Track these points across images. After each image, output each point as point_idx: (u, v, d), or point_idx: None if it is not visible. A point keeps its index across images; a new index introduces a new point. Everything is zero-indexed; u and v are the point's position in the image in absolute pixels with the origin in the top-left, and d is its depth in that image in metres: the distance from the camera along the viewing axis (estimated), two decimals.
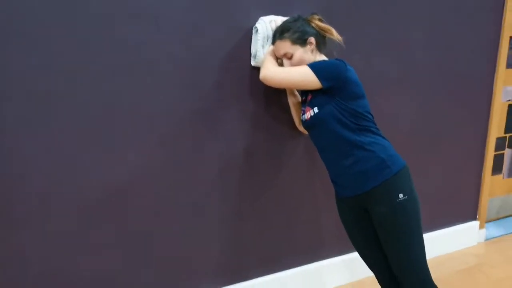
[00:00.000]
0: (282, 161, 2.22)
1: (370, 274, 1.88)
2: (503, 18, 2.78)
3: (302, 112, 1.83)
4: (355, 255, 1.87)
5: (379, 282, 1.87)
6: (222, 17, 1.92)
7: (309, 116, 1.75)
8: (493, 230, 3.22)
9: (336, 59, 1.73)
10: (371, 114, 1.74)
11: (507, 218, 3.39)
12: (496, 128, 2.93)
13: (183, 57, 1.88)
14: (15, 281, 1.75)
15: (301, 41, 1.77)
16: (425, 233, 2.82)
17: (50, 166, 1.72)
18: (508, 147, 3.22)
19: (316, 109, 1.71)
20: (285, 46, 1.78)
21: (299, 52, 1.77)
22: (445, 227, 2.93)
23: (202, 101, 1.96)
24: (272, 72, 1.77)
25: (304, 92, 1.85)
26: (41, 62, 1.64)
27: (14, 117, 1.64)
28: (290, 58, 1.78)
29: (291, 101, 2.06)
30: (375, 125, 1.75)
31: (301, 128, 2.06)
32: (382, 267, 1.82)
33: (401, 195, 1.65)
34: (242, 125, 2.07)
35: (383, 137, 1.73)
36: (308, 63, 1.75)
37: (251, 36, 1.97)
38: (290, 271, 2.36)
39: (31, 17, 1.60)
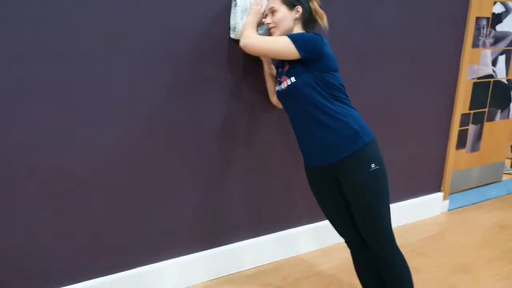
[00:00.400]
0: (257, 130, 2.33)
1: (340, 240, 2.01)
2: (469, 0, 2.92)
3: (278, 82, 1.91)
4: (326, 222, 1.99)
5: (348, 246, 1.99)
6: None
7: (286, 86, 1.83)
8: (456, 201, 3.42)
9: (314, 33, 1.83)
10: (343, 87, 1.84)
11: (469, 190, 3.61)
12: (461, 105, 3.10)
13: (162, 29, 1.95)
14: None
15: (290, 5, 1.86)
16: (393, 203, 2.96)
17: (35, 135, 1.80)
18: (473, 123, 3.41)
19: (293, 79, 1.80)
20: (275, 1, 1.88)
21: (283, 12, 1.87)
22: (411, 198, 3.12)
23: (181, 73, 2.04)
24: (253, 40, 1.86)
25: (280, 64, 1.95)
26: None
27: None
28: (273, 13, 1.88)
29: (266, 73, 2.16)
30: (347, 97, 1.85)
31: (273, 100, 2.17)
32: (352, 232, 1.92)
33: (373, 165, 1.77)
34: (220, 96, 2.17)
35: (354, 109, 1.84)
36: (285, 27, 1.86)
37: (230, 9, 2.04)
38: (266, 237, 2.50)
39: None
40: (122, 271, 2.11)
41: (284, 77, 1.86)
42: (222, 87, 2.16)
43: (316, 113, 1.78)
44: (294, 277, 2.43)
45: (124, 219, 2.07)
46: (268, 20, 1.91)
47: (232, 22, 2.03)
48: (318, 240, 2.70)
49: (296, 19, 1.88)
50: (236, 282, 2.36)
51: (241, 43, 1.89)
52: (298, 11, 1.87)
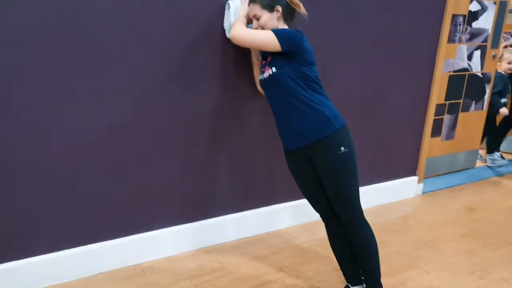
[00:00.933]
0: (243, 116, 2.57)
1: (317, 217, 2.24)
2: None
3: (262, 72, 2.13)
4: (305, 201, 2.22)
5: (323, 220, 2.22)
6: None
7: (267, 75, 2.06)
8: (430, 185, 3.69)
9: (296, 30, 2.06)
10: (318, 79, 2.07)
11: (444, 176, 3.88)
12: (436, 96, 3.34)
13: (163, 25, 2.18)
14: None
15: (269, 8, 2.08)
16: (371, 184, 3.28)
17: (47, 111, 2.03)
18: (448, 113, 3.66)
19: (274, 69, 2.02)
20: (256, 9, 2.09)
21: (266, 16, 2.09)
22: (388, 180, 3.38)
23: (178, 64, 2.27)
24: (240, 33, 2.07)
25: (265, 55, 2.18)
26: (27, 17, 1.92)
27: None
28: (258, 19, 2.10)
29: (254, 64, 2.40)
30: (322, 88, 2.08)
31: (259, 88, 2.40)
32: (325, 208, 2.15)
33: (343, 148, 1.99)
34: (212, 85, 2.41)
35: (328, 99, 2.08)
36: (271, 27, 2.08)
37: (224, 12, 2.27)
38: (249, 211, 2.76)
39: None
40: (118, 237, 2.37)
41: (266, 67, 2.08)
42: (214, 77, 2.40)
43: (294, 101, 1.99)
44: (275, 247, 2.69)
45: (123, 192, 2.32)
46: (255, 25, 2.12)
47: (226, 23, 2.27)
48: (298, 217, 2.96)
49: (278, 17, 2.11)
50: (221, 251, 2.62)
51: (230, 35, 2.10)
52: (278, 10, 2.09)
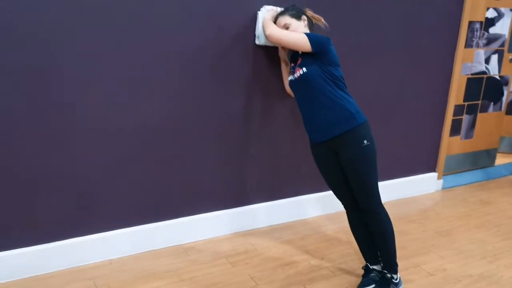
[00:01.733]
0: (273, 114, 2.88)
1: (341, 208, 2.49)
2: (463, 6, 3.38)
3: (292, 73, 2.41)
4: (331, 192, 2.46)
5: (344, 207, 2.47)
6: (233, 4, 2.54)
7: (298, 75, 2.33)
8: (450, 181, 3.91)
9: (324, 36, 2.36)
10: (343, 79, 2.34)
11: (463, 173, 4.08)
12: (454, 97, 3.57)
13: (201, 31, 2.51)
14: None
15: (297, 17, 2.40)
16: (392, 179, 3.53)
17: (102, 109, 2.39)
18: (466, 113, 3.88)
19: (304, 69, 2.30)
20: (286, 19, 2.40)
21: (295, 23, 2.39)
22: (409, 175, 3.63)
23: (214, 68, 2.61)
24: (276, 32, 2.35)
25: (293, 59, 2.47)
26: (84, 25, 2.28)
27: (70, 77, 2.29)
28: (287, 28, 2.40)
29: (283, 68, 2.71)
30: (346, 87, 2.35)
31: (287, 89, 2.70)
32: (347, 196, 2.40)
33: (365, 141, 2.24)
34: (244, 86, 2.73)
35: (351, 96, 2.34)
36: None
37: (255, 20, 2.60)
38: (279, 201, 3.07)
39: None
40: (165, 220, 2.71)
41: (297, 68, 2.35)
42: (246, 79, 2.72)
43: (321, 97, 2.26)
44: (302, 233, 2.99)
45: (170, 180, 2.66)
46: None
47: (256, 31, 2.59)
48: (324, 207, 3.25)
49: (305, 25, 2.41)
50: (253, 235, 2.94)
51: (267, 32, 2.37)
52: (304, 19, 2.40)
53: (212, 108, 2.67)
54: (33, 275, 2.41)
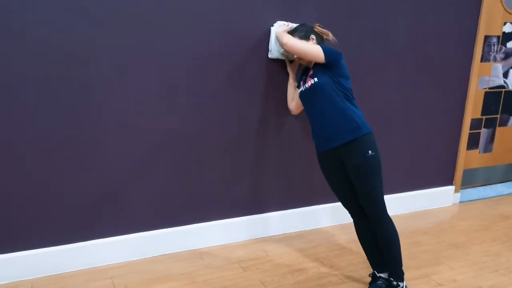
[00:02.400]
0: (285, 127, 2.98)
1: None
2: (479, 21, 3.42)
3: (303, 83, 2.50)
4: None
5: (351, 215, 2.54)
6: (248, 19, 2.68)
7: (309, 84, 2.43)
8: (468, 195, 3.90)
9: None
10: (352, 91, 2.43)
11: (482, 187, 4.06)
12: (470, 111, 3.59)
13: (218, 46, 2.66)
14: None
15: (306, 37, 2.52)
16: (409, 191, 3.57)
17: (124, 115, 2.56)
18: (484, 127, 3.87)
19: (316, 79, 2.39)
20: None
21: None
22: (426, 188, 3.65)
23: (229, 80, 2.74)
24: (292, 40, 2.46)
25: (305, 71, 2.56)
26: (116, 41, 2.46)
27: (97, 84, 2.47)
28: None
29: (290, 84, 2.82)
30: (354, 99, 2.44)
31: (291, 105, 2.81)
32: (354, 205, 2.47)
33: (370, 151, 2.32)
34: (258, 98, 2.85)
35: (358, 109, 2.43)
36: None
37: (269, 35, 2.73)
38: (292, 210, 3.16)
39: None
40: (182, 225, 2.84)
41: (308, 78, 2.46)
42: (260, 91, 2.84)
43: (330, 107, 2.35)
44: (314, 242, 3.06)
45: (187, 187, 2.79)
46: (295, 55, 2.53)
47: (270, 46, 2.72)
48: (337, 217, 3.30)
49: (313, 44, 2.51)
50: (266, 243, 3.03)
51: (283, 41, 2.47)
52: (313, 38, 2.51)
53: (229, 118, 2.80)
54: (56, 273, 2.57)
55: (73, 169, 2.49)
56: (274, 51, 2.69)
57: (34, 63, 2.29)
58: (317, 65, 2.43)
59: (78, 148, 2.48)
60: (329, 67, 2.37)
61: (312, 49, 2.39)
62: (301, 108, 2.76)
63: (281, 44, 2.53)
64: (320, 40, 2.57)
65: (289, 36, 2.50)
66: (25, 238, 2.49)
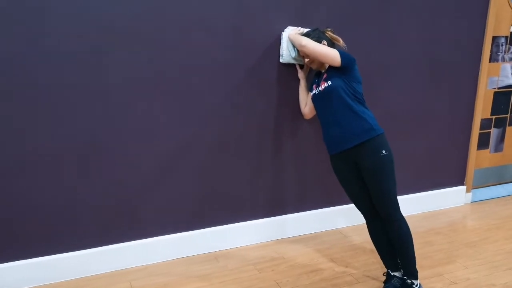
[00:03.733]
0: (302, 129, 3.04)
1: None
2: (487, 22, 3.45)
3: (316, 87, 2.55)
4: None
5: (364, 216, 2.57)
6: (260, 26, 2.75)
7: (323, 87, 2.48)
8: (480, 194, 3.92)
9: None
10: (363, 95, 2.48)
11: (493, 186, 4.07)
12: (480, 111, 3.62)
13: (233, 53, 2.73)
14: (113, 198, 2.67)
15: (317, 42, 2.58)
16: (420, 192, 3.60)
17: (140, 124, 2.63)
18: (494, 127, 3.90)
19: (330, 82, 2.44)
20: None
21: None
22: (438, 189, 3.69)
23: (242, 85, 2.80)
24: (311, 43, 2.50)
25: (318, 74, 2.62)
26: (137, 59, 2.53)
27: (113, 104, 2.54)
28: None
29: (302, 87, 2.87)
30: (365, 102, 2.49)
31: (305, 110, 2.87)
32: (367, 205, 2.51)
33: (383, 151, 2.36)
34: (271, 103, 2.91)
35: (370, 111, 2.48)
36: None
37: (280, 41, 2.79)
38: (308, 212, 3.21)
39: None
40: (198, 229, 2.90)
41: (322, 81, 2.51)
42: (273, 94, 2.90)
43: (343, 109, 2.40)
44: (329, 243, 3.10)
45: (203, 191, 2.86)
46: (306, 59, 2.60)
47: (281, 50, 2.78)
48: (351, 218, 3.35)
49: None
50: (281, 244, 3.08)
51: (303, 43, 2.50)
52: (324, 43, 2.57)
53: (242, 123, 2.86)
54: (78, 277, 2.64)
55: (92, 175, 2.57)
56: (285, 56, 2.75)
57: (48, 67, 2.37)
58: (331, 68, 2.48)
59: (99, 154, 2.55)
60: (344, 71, 2.43)
61: (330, 52, 2.43)
62: (314, 111, 2.81)
63: (299, 46, 2.57)
64: (331, 46, 2.63)
65: (307, 38, 2.55)
66: (51, 244, 2.57)
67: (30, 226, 2.50)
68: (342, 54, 2.42)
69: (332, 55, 2.42)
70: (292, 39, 2.67)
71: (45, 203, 2.50)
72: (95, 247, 2.67)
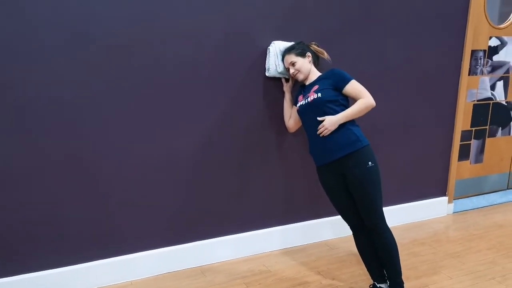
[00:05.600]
0: (285, 141, 3.06)
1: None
2: (465, 36, 3.54)
3: (303, 97, 2.56)
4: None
5: (350, 227, 2.59)
6: (246, 41, 2.77)
7: (312, 99, 2.49)
8: (461, 205, 3.98)
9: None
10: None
11: (475, 197, 4.14)
12: (460, 123, 3.70)
13: (220, 66, 2.74)
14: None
15: (302, 55, 2.61)
16: (403, 203, 3.64)
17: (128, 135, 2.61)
18: (474, 138, 3.98)
19: (319, 94, 2.47)
20: (291, 57, 2.63)
21: (300, 61, 2.61)
22: (420, 200, 3.73)
23: (228, 97, 2.81)
24: (350, 110, 2.45)
25: (303, 87, 2.64)
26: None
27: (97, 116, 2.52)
28: (294, 65, 2.62)
29: (286, 102, 2.88)
30: None
31: (289, 124, 2.88)
32: (353, 216, 2.53)
33: (370, 163, 2.40)
34: (257, 115, 2.93)
35: (356, 123, 2.50)
36: (306, 70, 2.60)
37: (266, 55, 2.81)
38: (294, 224, 3.22)
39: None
40: (185, 243, 2.88)
41: (312, 92, 2.52)
42: (259, 109, 2.92)
43: None
44: (315, 255, 3.11)
45: (188, 206, 2.84)
46: (292, 70, 2.63)
47: (266, 64, 2.80)
48: (337, 230, 3.36)
49: (309, 61, 2.61)
50: (268, 258, 3.08)
51: (372, 103, 2.49)
52: (308, 56, 2.61)
53: (228, 136, 2.87)
54: None
55: (73, 189, 2.54)
56: (272, 70, 2.77)
57: (28, 79, 2.35)
58: (324, 80, 2.52)
59: (80, 168, 2.53)
60: (336, 87, 2.48)
61: (367, 101, 2.49)
62: (299, 124, 2.83)
63: (372, 107, 2.51)
64: (316, 59, 2.67)
65: (341, 114, 2.46)
66: (27, 262, 2.52)
67: (4, 243, 2.45)
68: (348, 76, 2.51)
69: (368, 102, 2.48)
70: (332, 124, 2.47)
71: (25, 218, 2.47)
72: (78, 263, 2.62)
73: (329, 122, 2.42)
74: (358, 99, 2.47)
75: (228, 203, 2.96)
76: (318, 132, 2.45)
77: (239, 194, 2.98)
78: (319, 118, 2.45)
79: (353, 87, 2.48)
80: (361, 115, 2.48)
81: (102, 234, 2.65)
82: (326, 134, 2.43)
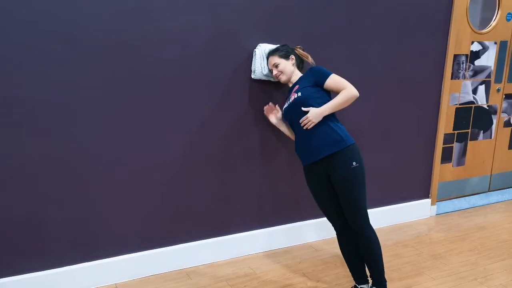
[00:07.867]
0: (272, 143, 3.06)
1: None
2: (448, 41, 3.59)
3: (286, 100, 2.58)
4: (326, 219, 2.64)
5: (335, 228, 2.60)
6: (232, 43, 2.77)
7: (293, 99, 2.51)
8: (444, 207, 4.04)
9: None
10: None
11: (457, 199, 4.21)
12: (443, 126, 3.75)
13: (206, 68, 2.74)
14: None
15: (285, 57, 2.63)
16: (387, 206, 3.67)
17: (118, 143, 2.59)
18: (457, 141, 4.04)
19: (300, 93, 2.48)
20: (275, 59, 2.64)
21: (283, 63, 2.62)
22: (404, 202, 3.77)
23: (217, 100, 2.81)
24: (331, 103, 2.44)
25: (290, 90, 2.63)
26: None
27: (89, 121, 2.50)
28: (277, 67, 2.63)
29: (280, 125, 2.84)
30: (336, 114, 2.53)
31: (293, 137, 2.76)
32: (337, 217, 2.54)
33: (354, 163, 2.39)
34: (242, 117, 2.93)
35: (341, 123, 2.51)
36: (289, 72, 2.61)
37: (252, 57, 2.82)
38: (279, 227, 3.23)
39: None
40: (169, 245, 2.87)
41: (293, 93, 2.54)
42: (243, 111, 2.92)
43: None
44: (300, 257, 3.12)
45: (171, 207, 2.83)
46: (275, 72, 2.64)
47: (252, 67, 2.81)
48: (321, 232, 3.38)
49: (293, 64, 2.63)
50: (253, 260, 3.07)
51: (356, 94, 2.48)
52: (292, 58, 2.63)
53: (211, 138, 2.86)
54: None
55: (57, 192, 2.51)
56: (257, 73, 2.78)
57: (15, 83, 2.32)
58: (304, 80, 2.54)
59: (65, 171, 2.50)
60: (317, 85, 2.49)
61: (349, 92, 2.48)
62: None
63: (320, 115, 2.45)
64: (300, 62, 2.68)
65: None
66: (9, 265, 2.49)
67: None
68: (328, 73, 2.50)
69: (350, 92, 2.47)
70: (316, 116, 2.47)
71: (6, 220, 2.43)
72: (63, 266, 2.59)
73: (313, 114, 2.42)
74: (341, 91, 2.49)
75: (213, 205, 2.95)
76: (302, 124, 2.45)
77: (223, 196, 2.98)
78: (303, 109, 2.46)
79: (334, 80, 2.49)
80: (345, 106, 2.48)
81: (87, 236, 2.62)
82: (310, 127, 2.44)
